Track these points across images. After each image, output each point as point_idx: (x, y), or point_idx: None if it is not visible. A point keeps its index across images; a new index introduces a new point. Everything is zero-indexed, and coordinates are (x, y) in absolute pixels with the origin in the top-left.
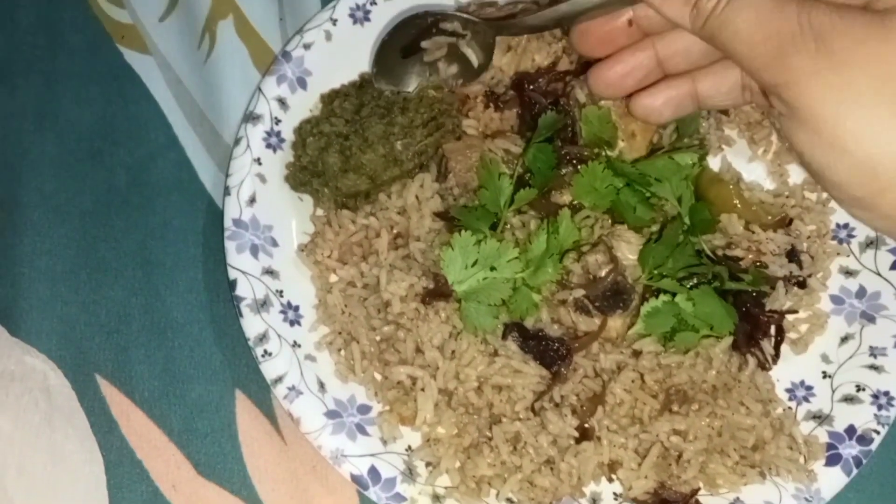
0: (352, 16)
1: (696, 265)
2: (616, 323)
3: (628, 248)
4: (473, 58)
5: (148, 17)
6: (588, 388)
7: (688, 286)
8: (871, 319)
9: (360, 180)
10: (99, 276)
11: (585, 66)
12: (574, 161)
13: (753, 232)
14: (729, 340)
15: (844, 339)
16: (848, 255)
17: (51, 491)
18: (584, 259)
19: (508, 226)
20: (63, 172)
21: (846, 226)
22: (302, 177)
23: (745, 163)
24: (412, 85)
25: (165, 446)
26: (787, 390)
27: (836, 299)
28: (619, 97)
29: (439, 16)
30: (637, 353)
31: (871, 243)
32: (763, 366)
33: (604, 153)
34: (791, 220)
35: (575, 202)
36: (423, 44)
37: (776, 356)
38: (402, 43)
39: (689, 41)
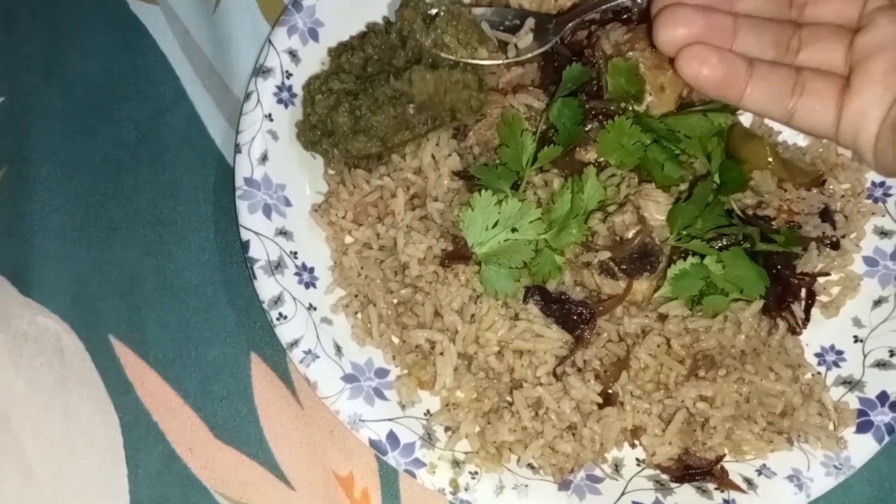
0: None
1: (727, 225)
2: (642, 286)
3: (656, 208)
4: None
5: None
6: (612, 352)
7: (717, 247)
8: None
9: (371, 142)
10: (110, 234)
11: (613, 14)
12: (600, 116)
13: (786, 190)
14: (759, 304)
15: (878, 303)
16: (883, 215)
17: (67, 452)
18: (610, 220)
19: (531, 185)
20: (70, 127)
21: (882, 184)
22: (312, 136)
23: None
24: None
25: (181, 409)
26: (817, 355)
27: (869, 261)
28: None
29: None
30: (663, 317)
31: None
32: (793, 330)
33: (631, 108)
34: (825, 179)
35: (600, 160)
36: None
37: (806, 320)
38: None
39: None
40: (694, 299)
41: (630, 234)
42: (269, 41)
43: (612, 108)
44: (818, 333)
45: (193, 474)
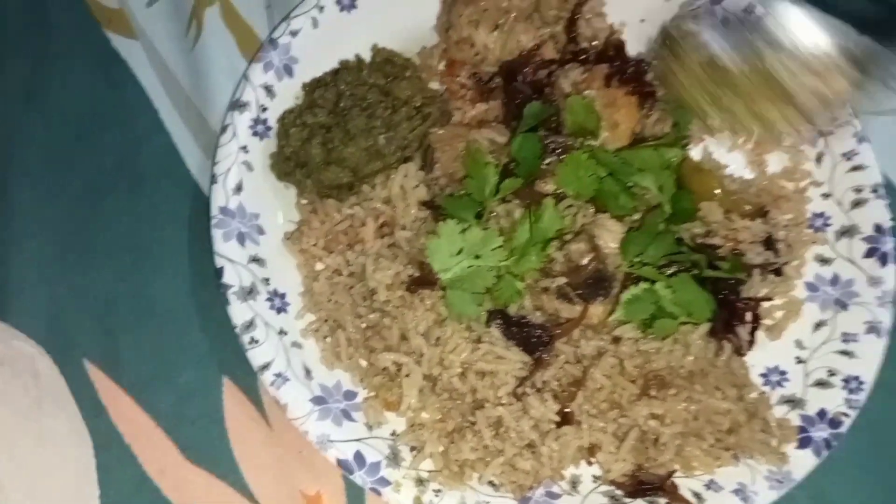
0: (338, 2)
1: (676, 253)
2: (597, 310)
3: (610, 237)
4: None
5: (135, 1)
6: (569, 373)
7: (667, 274)
8: (844, 306)
9: (343, 173)
10: (86, 260)
11: (572, 55)
12: (558, 150)
13: (732, 220)
14: (706, 327)
15: (818, 326)
16: (823, 244)
17: (40, 474)
18: (566, 247)
19: (494, 214)
20: (51, 156)
21: (822, 214)
22: (286, 167)
23: (725, 152)
24: None
25: (153, 431)
26: (762, 375)
27: (810, 286)
28: None
29: None
30: (617, 340)
31: (845, 232)
32: (738, 351)
33: (588, 143)
34: (768, 210)
35: (559, 191)
36: None
37: (752, 342)
38: None
39: None
40: (646, 322)
41: (585, 262)
42: (246, 76)
43: (570, 142)
44: (763, 355)
45: (164, 496)
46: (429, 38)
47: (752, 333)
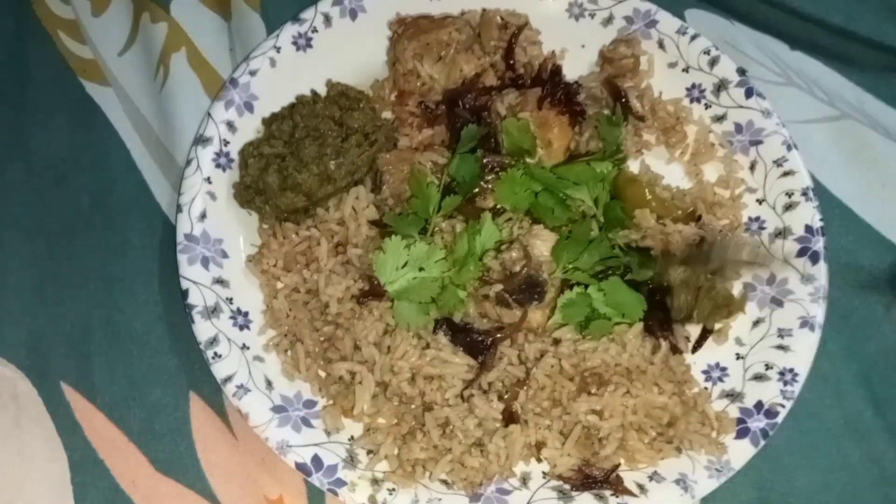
0: (294, 43)
1: (609, 258)
2: (536, 314)
3: (543, 245)
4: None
5: (108, 51)
6: (512, 374)
7: (599, 278)
8: (780, 304)
9: (298, 198)
10: (64, 291)
11: (510, 80)
12: (496, 169)
13: (665, 225)
14: (639, 326)
15: (756, 323)
16: (759, 247)
17: (18, 488)
18: (500, 256)
19: (439, 230)
20: (31, 197)
21: (757, 218)
22: (246, 195)
23: (663, 164)
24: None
25: (125, 446)
26: (704, 372)
27: (749, 286)
28: None
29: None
30: (557, 342)
31: (779, 233)
32: (676, 349)
33: (523, 161)
34: (700, 215)
35: (498, 206)
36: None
37: (698, 347)
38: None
39: None
40: (582, 324)
41: (517, 268)
42: (209, 114)
43: (507, 161)
44: (705, 353)
45: None
46: (381, 71)
47: (699, 342)
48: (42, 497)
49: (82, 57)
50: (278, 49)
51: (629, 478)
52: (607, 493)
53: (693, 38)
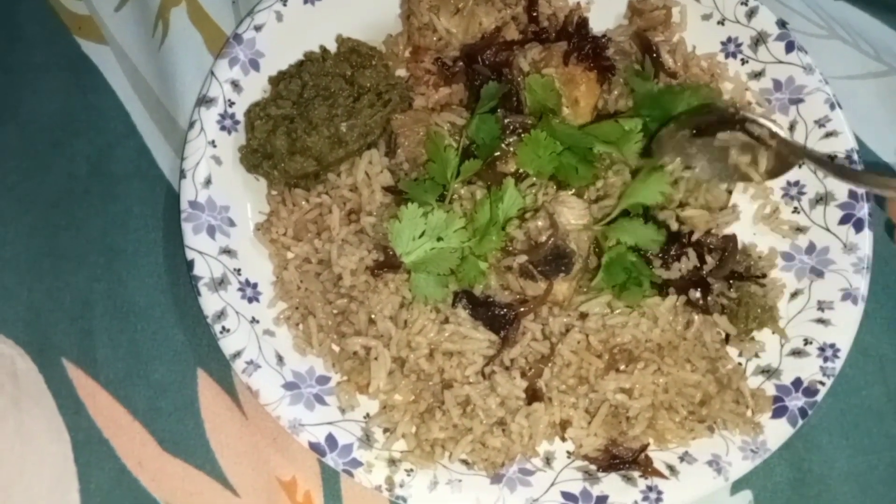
0: None
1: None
2: (562, 287)
3: (570, 214)
4: (763, 164)
5: (104, 7)
6: (536, 350)
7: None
8: (820, 274)
9: (307, 162)
10: (62, 263)
11: (533, 34)
12: (519, 130)
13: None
14: (674, 299)
15: (794, 295)
16: (799, 212)
17: (19, 470)
18: (525, 225)
19: (457, 197)
20: (25, 163)
21: (796, 183)
22: (254, 159)
23: None
24: (695, 161)
25: (130, 425)
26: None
27: (786, 256)
28: None
29: (752, 119)
30: (584, 316)
31: (820, 199)
32: (706, 310)
33: (547, 119)
34: None
35: (521, 171)
36: (720, 136)
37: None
38: (697, 123)
39: None
40: (618, 289)
41: (543, 238)
42: (212, 73)
43: (530, 121)
44: None
45: (143, 487)
46: (394, 25)
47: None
48: (44, 480)
49: (76, 13)
50: (285, 2)
51: (658, 458)
52: (635, 473)
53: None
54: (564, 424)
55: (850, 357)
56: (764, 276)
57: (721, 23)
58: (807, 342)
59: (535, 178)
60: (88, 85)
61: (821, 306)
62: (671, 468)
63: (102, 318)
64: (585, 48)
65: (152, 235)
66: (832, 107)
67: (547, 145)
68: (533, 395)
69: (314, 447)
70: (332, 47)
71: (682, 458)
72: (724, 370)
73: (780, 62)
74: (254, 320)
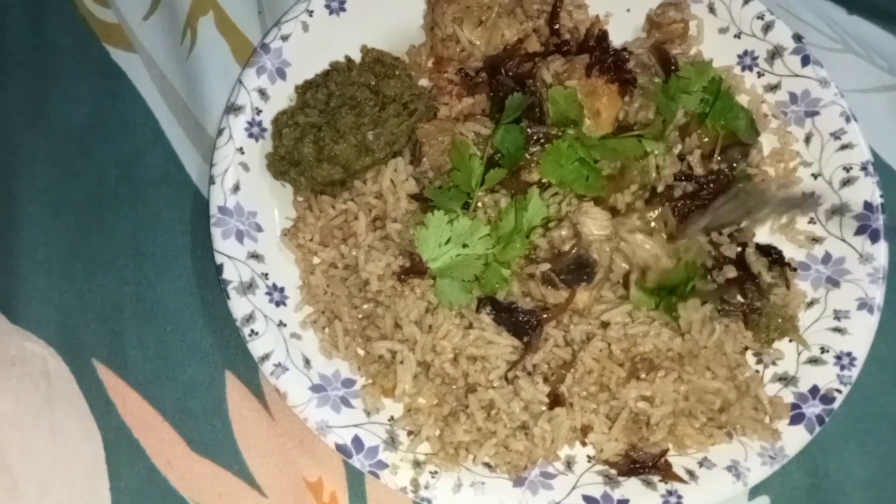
0: (327, 6)
1: None
2: (583, 296)
3: (594, 224)
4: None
5: (132, 16)
6: (558, 356)
7: None
8: (836, 284)
9: (334, 170)
10: (92, 266)
11: (555, 47)
12: (542, 140)
13: None
14: (707, 307)
15: (810, 304)
16: (815, 223)
17: (52, 468)
18: (549, 234)
19: (481, 205)
20: (55, 168)
21: (812, 194)
22: (281, 166)
23: None
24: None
25: (160, 425)
26: (756, 354)
27: (802, 265)
28: None
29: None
30: (605, 325)
31: (836, 210)
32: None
33: (570, 131)
34: None
35: (544, 180)
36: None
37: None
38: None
39: None
40: (656, 300)
41: (566, 247)
42: (240, 81)
43: (553, 132)
44: None
45: (172, 486)
46: (417, 36)
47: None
48: (78, 477)
49: (106, 21)
50: (311, 13)
51: (678, 463)
52: (655, 478)
53: (746, 1)
54: (586, 429)
55: (866, 365)
56: (794, 269)
57: (738, 36)
58: (823, 350)
59: (557, 188)
60: (117, 92)
61: (837, 315)
62: (691, 473)
63: (132, 320)
64: (607, 61)
65: (180, 239)
66: (847, 119)
67: (569, 155)
68: (555, 400)
69: (341, 448)
70: (357, 57)
71: (701, 464)
72: (743, 377)
73: (796, 75)
74: (281, 323)
